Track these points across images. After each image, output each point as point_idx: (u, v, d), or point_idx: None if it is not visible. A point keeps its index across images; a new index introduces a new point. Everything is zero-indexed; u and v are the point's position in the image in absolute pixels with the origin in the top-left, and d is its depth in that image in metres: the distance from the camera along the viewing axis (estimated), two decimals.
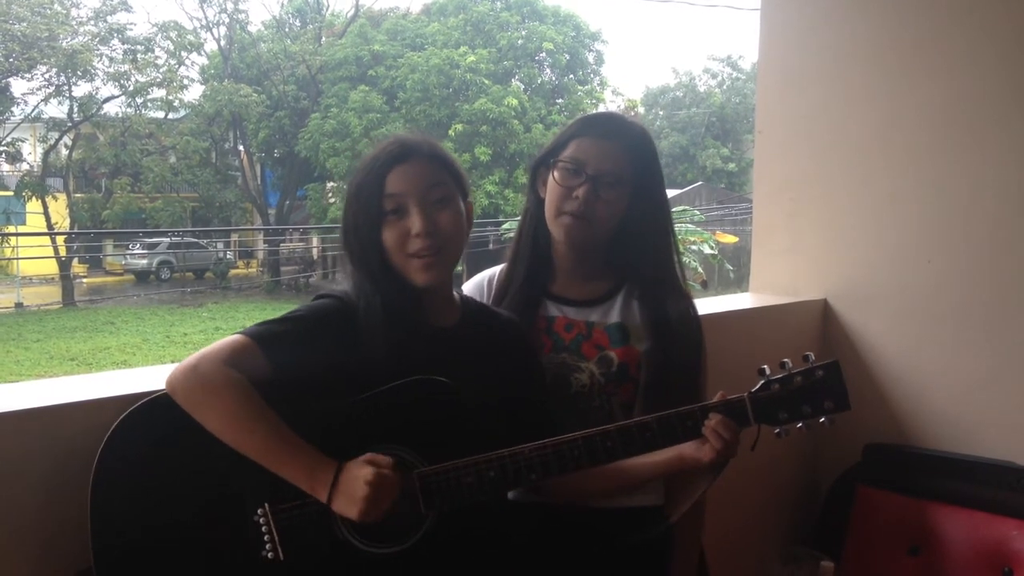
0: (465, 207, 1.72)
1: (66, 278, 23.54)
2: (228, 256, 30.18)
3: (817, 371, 1.61)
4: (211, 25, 28.91)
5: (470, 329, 1.74)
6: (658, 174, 1.93)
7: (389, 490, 1.48)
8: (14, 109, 25.04)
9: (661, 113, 38.95)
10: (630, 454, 1.61)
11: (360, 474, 1.46)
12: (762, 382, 1.62)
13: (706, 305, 3.12)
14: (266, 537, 1.52)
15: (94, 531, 1.48)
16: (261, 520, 1.52)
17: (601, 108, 28.10)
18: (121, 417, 1.51)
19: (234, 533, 1.52)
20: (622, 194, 1.86)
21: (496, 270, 2.03)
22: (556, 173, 1.87)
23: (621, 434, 1.60)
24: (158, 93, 26.43)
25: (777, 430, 1.62)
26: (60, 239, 24.74)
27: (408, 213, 1.62)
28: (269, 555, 1.52)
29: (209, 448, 1.48)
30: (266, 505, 1.52)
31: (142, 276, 27.92)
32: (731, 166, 35.72)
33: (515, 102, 25.02)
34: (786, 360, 1.62)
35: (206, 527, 1.53)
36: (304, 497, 1.51)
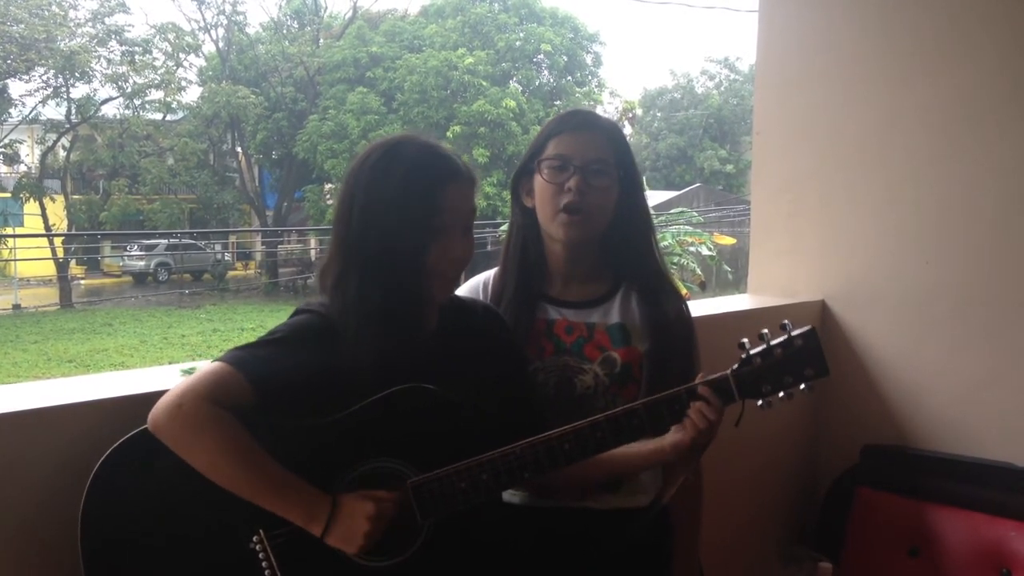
0: None
1: (64, 280, 23.50)
2: (226, 258, 30.11)
3: (796, 340, 1.58)
4: (209, 27, 28.90)
5: (449, 328, 1.72)
6: (635, 164, 1.96)
7: (387, 522, 1.50)
8: (12, 111, 24.99)
9: (659, 115, 38.91)
10: (620, 442, 1.60)
11: (362, 509, 1.47)
12: (743, 356, 1.60)
13: (704, 306, 3.12)
14: (264, 564, 1.50)
15: (86, 558, 1.48)
16: (258, 547, 1.51)
17: (599, 110, 28.11)
18: (115, 445, 1.50)
19: (231, 560, 1.51)
20: (611, 181, 1.88)
21: (491, 273, 2.03)
22: (544, 172, 1.87)
23: (610, 423, 1.59)
24: (156, 95, 26.39)
25: (760, 402, 1.61)
26: (58, 241, 24.71)
27: (451, 233, 1.59)
28: None
29: (201, 476, 1.47)
30: (261, 532, 1.51)
31: (140, 278, 27.85)
32: (729, 167, 35.71)
33: (513, 104, 25.03)
34: (764, 331, 1.60)
35: (202, 555, 1.52)
36: None
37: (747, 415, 1.64)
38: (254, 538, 1.51)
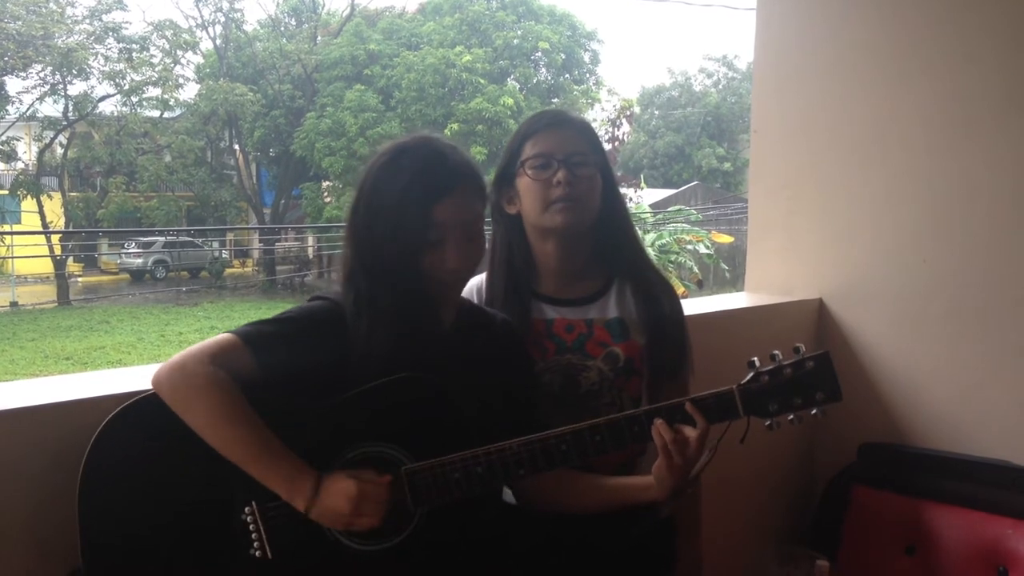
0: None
1: (61, 277, 23.46)
2: (223, 255, 30.12)
3: (807, 362, 1.58)
4: (206, 24, 28.88)
5: (464, 331, 1.74)
6: (606, 155, 1.98)
7: (374, 503, 1.48)
8: (9, 108, 24.91)
9: (657, 113, 38.94)
10: (619, 447, 1.59)
11: (342, 488, 1.47)
12: (751, 374, 1.59)
13: (701, 304, 3.12)
14: (253, 535, 1.52)
15: (83, 532, 1.49)
16: (248, 519, 1.52)
17: (597, 108, 28.14)
18: (108, 418, 1.51)
19: (222, 532, 1.53)
20: (594, 171, 1.90)
21: (483, 277, 2.03)
22: (529, 171, 1.88)
23: (610, 427, 1.58)
24: (153, 92, 26.34)
25: (768, 422, 1.59)
26: (55, 238, 24.66)
27: (446, 245, 1.60)
28: (257, 554, 1.52)
29: (196, 448, 1.48)
30: (253, 504, 1.52)
31: (137, 275, 27.83)
32: (727, 165, 35.74)
33: (511, 101, 25.00)
34: (776, 352, 1.60)
35: (195, 526, 1.53)
36: None
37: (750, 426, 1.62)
38: (246, 509, 1.52)
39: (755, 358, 1.60)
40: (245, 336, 1.53)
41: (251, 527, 1.52)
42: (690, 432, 1.57)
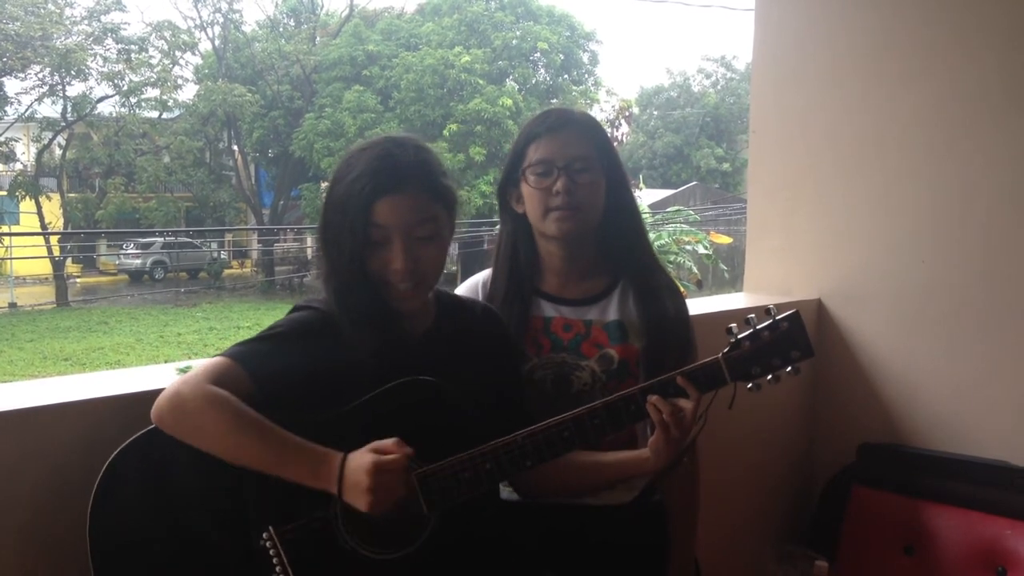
0: (450, 227, 1.69)
1: (60, 278, 23.43)
2: (222, 256, 30.11)
3: (782, 323, 1.63)
4: (205, 25, 28.87)
5: (445, 328, 1.73)
6: (615, 153, 1.97)
7: (394, 475, 1.46)
8: (8, 109, 24.91)
9: (655, 113, 38.92)
10: (617, 428, 1.64)
11: (362, 463, 1.45)
12: (732, 341, 1.64)
13: (700, 304, 3.12)
14: (275, 560, 1.51)
15: (95, 559, 1.48)
16: (268, 544, 1.51)
17: (596, 109, 28.14)
18: (122, 447, 1.50)
19: (242, 560, 1.51)
20: (597, 175, 1.89)
21: (488, 272, 2.04)
22: (530, 179, 1.89)
23: (608, 409, 1.62)
24: (152, 93, 26.35)
25: (749, 385, 1.65)
26: (54, 239, 24.67)
27: (391, 245, 1.59)
28: None
29: (209, 476, 1.47)
30: (271, 528, 1.51)
31: (136, 276, 27.81)
32: (725, 166, 35.73)
33: (510, 102, 24.99)
34: (751, 316, 1.65)
35: (213, 556, 1.52)
36: (307, 514, 1.50)
37: (744, 409, 1.67)
38: (264, 535, 1.51)
39: (732, 324, 1.65)
40: (237, 356, 1.52)
41: (271, 552, 1.51)
42: (684, 403, 1.62)
